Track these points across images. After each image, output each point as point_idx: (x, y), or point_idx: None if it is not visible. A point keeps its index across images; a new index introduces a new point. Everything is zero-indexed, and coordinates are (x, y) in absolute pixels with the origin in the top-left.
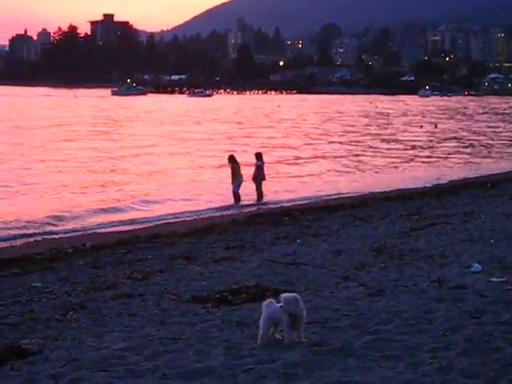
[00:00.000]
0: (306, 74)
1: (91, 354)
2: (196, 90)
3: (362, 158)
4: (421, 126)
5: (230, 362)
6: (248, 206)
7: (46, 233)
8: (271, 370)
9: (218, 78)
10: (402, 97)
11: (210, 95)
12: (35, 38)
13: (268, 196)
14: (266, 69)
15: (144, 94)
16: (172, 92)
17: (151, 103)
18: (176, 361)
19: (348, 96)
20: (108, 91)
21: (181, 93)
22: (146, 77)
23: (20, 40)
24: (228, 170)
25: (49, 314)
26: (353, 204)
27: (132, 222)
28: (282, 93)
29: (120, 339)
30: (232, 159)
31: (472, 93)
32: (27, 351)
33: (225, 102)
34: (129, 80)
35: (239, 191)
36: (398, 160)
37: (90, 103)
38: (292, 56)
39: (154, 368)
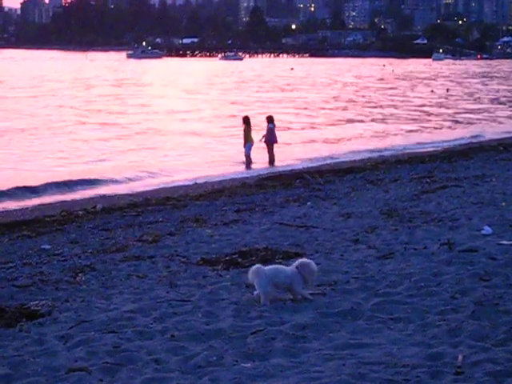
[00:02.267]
0: (319, 38)
1: (100, 316)
2: (228, 54)
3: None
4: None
5: (239, 324)
6: (259, 168)
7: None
8: (280, 332)
9: (230, 42)
10: (415, 60)
11: (241, 58)
12: (47, 1)
13: (280, 159)
14: (278, 32)
15: (159, 57)
16: (184, 55)
17: (182, 66)
18: (185, 322)
19: (361, 59)
20: (122, 54)
21: (193, 56)
22: (158, 40)
23: (32, 3)
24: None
25: (58, 276)
26: (364, 167)
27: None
28: (294, 56)
29: (129, 301)
30: (246, 121)
31: (485, 56)
32: (36, 313)
33: (256, 66)
34: (144, 43)
35: (250, 154)
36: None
37: (114, 66)
38: (304, 19)
39: (162, 330)
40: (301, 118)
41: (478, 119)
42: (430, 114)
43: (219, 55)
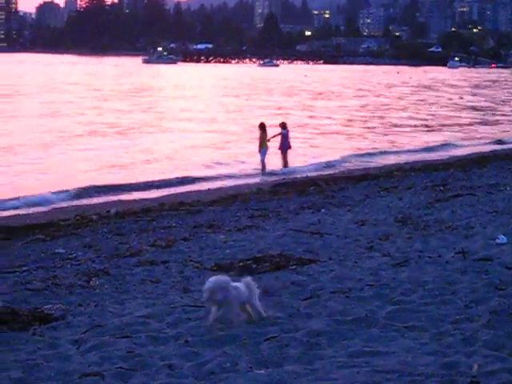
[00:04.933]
0: (333, 45)
1: (114, 321)
2: (264, 60)
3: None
4: None
5: (253, 331)
6: (273, 174)
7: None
8: (294, 339)
9: (244, 48)
10: (429, 68)
11: (277, 65)
12: (62, 5)
13: (294, 165)
14: (293, 39)
15: (174, 62)
16: (198, 61)
17: (211, 72)
18: (199, 328)
19: (375, 67)
20: (136, 59)
21: (207, 62)
22: (172, 45)
23: (47, 7)
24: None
25: (72, 280)
26: (378, 174)
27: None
28: (308, 63)
29: (143, 306)
30: (261, 127)
31: (499, 65)
32: (50, 316)
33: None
34: (160, 48)
35: (265, 160)
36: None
37: (138, 71)
38: (319, 26)
39: (176, 335)
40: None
41: None
42: None
43: (257, 62)
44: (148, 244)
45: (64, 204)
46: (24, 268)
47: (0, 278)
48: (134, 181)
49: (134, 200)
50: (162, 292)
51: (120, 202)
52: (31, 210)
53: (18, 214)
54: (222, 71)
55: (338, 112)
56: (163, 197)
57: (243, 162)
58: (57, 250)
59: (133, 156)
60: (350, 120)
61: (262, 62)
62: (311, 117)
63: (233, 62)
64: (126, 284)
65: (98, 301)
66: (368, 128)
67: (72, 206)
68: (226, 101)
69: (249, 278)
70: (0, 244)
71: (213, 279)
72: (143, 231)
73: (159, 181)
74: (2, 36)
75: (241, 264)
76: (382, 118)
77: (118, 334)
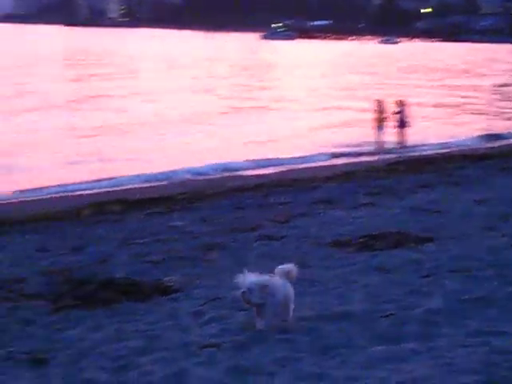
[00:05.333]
0: (451, 22)
1: (232, 294)
2: (384, 38)
3: None
4: None
5: (370, 307)
6: (390, 152)
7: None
8: (411, 317)
9: (361, 25)
10: None
11: (397, 42)
12: None
13: (412, 143)
14: (410, 16)
15: (291, 38)
16: (315, 37)
17: (330, 49)
18: (315, 303)
19: (494, 45)
20: (254, 35)
21: (324, 38)
22: (290, 22)
23: None
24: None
25: (190, 253)
26: (500, 154)
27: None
28: (427, 41)
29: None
30: (379, 105)
31: None
32: (169, 288)
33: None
34: (277, 24)
35: (382, 138)
36: None
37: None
38: (436, 3)
39: (293, 309)
40: None
41: None
42: None
43: (375, 39)
44: (265, 219)
45: (182, 178)
46: (143, 240)
47: (120, 250)
48: (252, 157)
49: (251, 175)
50: (279, 266)
51: (237, 177)
52: (150, 184)
53: (136, 188)
54: (341, 48)
55: (473, 90)
56: (279, 173)
57: (360, 140)
58: (174, 223)
59: (256, 134)
60: (484, 99)
61: (381, 40)
62: (445, 95)
63: (350, 39)
64: (244, 258)
65: (216, 274)
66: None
67: (189, 179)
68: (352, 78)
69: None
70: (119, 217)
71: (251, 278)
72: (260, 206)
73: (274, 159)
74: (124, 11)
75: (358, 241)
76: None
77: (236, 307)
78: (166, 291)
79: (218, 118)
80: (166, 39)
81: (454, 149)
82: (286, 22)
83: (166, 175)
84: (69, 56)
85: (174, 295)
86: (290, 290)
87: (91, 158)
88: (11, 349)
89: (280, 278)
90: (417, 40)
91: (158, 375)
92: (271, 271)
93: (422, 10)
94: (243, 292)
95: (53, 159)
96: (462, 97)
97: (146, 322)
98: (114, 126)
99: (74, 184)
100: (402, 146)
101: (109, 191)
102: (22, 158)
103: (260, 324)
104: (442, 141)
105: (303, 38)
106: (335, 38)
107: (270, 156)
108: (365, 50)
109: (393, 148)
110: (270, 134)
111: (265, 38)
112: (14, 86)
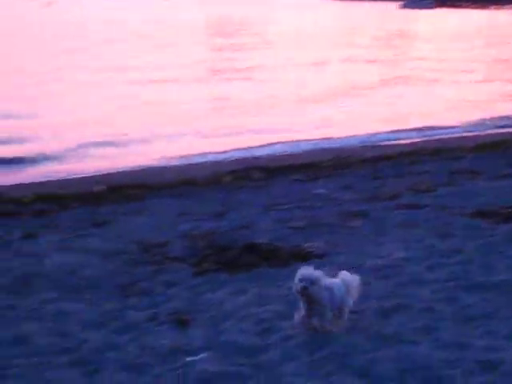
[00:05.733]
0: None
1: (373, 261)
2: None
3: None
4: None
5: None
6: None
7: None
8: None
9: None
10: None
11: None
12: None
13: None
14: None
15: (431, 7)
16: (454, 6)
17: (475, 18)
18: (458, 273)
19: None
20: (392, 4)
21: (465, 7)
22: None
23: None
24: None
25: (332, 220)
26: None
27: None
28: None
29: (401, 248)
30: None
31: None
32: (310, 254)
33: None
34: None
35: None
36: None
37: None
38: None
39: (435, 279)
40: None
41: None
42: None
43: None
44: (406, 188)
45: (326, 146)
46: (285, 206)
47: (262, 215)
48: (393, 128)
49: (391, 145)
50: (420, 236)
51: (377, 146)
52: (291, 151)
53: (279, 155)
54: (483, 16)
55: None
56: (420, 142)
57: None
58: (316, 191)
59: (409, 105)
60: None
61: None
62: None
63: (492, 7)
64: (384, 226)
65: (356, 241)
66: None
67: (331, 148)
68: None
69: (345, 274)
70: (262, 183)
71: (304, 270)
72: (400, 175)
73: (415, 129)
74: None
75: (503, 211)
76: None
77: (376, 275)
78: (306, 257)
79: (370, 90)
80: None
81: None
82: None
83: (310, 144)
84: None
85: (314, 261)
86: (348, 296)
87: (242, 128)
88: (155, 310)
89: (341, 282)
90: None
91: (300, 339)
92: (411, 240)
93: None
94: (304, 287)
95: (195, 129)
96: None
97: (287, 287)
98: (270, 96)
99: (215, 153)
100: None
101: (251, 158)
102: (164, 127)
103: (315, 320)
104: None
105: (443, 6)
106: (476, 7)
107: (417, 125)
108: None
109: None
110: (425, 104)
111: (404, 6)
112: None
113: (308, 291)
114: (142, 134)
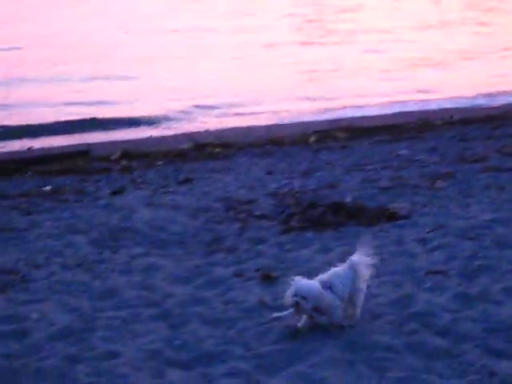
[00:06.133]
0: None
1: (458, 223)
2: None
3: None
4: None
5: None
6: None
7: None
8: None
9: None
10: None
11: None
12: None
13: None
14: None
15: None
16: None
17: None
18: None
19: None
20: None
21: None
22: None
23: None
24: None
25: (417, 181)
26: None
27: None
28: None
29: (487, 210)
30: None
31: None
32: (396, 215)
33: None
34: None
35: None
36: None
37: None
38: None
39: None
40: None
41: None
42: None
43: None
44: (493, 151)
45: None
46: (370, 167)
47: (348, 175)
48: (478, 91)
49: (477, 108)
50: (507, 198)
51: (462, 109)
52: (376, 113)
53: (364, 116)
54: None
55: None
56: (507, 105)
57: None
58: (402, 152)
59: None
60: None
61: None
62: None
63: None
64: (470, 188)
65: (442, 203)
66: None
67: (417, 111)
68: None
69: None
70: (347, 144)
71: (300, 284)
72: (487, 138)
73: (499, 92)
74: None
75: None
76: None
77: (462, 236)
78: (392, 217)
79: None
80: None
81: None
82: None
83: (396, 106)
84: None
85: (400, 222)
86: (360, 281)
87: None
88: (242, 266)
89: (349, 269)
90: None
91: (386, 298)
92: (497, 202)
93: None
94: (296, 302)
95: (286, 90)
96: None
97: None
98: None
99: (302, 113)
100: None
101: (336, 119)
102: (255, 90)
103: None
104: None
105: None
106: None
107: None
108: None
109: None
110: None
111: None
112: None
113: (300, 307)
114: (232, 96)
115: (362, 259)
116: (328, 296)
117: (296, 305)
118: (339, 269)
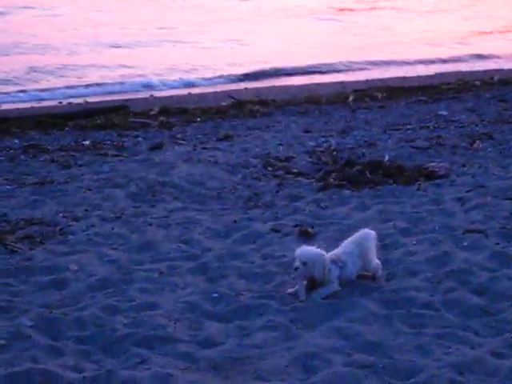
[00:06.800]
0: None
1: (497, 183)
2: None
3: None
4: None
5: None
6: None
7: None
8: None
9: None
10: None
11: None
12: None
13: None
14: None
15: None
16: None
17: None
18: None
19: None
20: None
21: None
22: None
23: None
24: None
25: (455, 141)
26: None
27: None
28: None
29: None
30: None
31: None
32: (434, 174)
33: None
34: None
35: None
36: None
37: None
38: None
39: None
40: None
41: None
42: None
43: None
44: None
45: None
46: (408, 127)
47: (386, 134)
48: None
49: None
50: None
51: (502, 70)
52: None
53: (402, 77)
54: None
55: None
56: None
57: None
58: (440, 112)
59: None
60: None
61: None
62: None
63: None
64: (509, 149)
65: (481, 163)
66: None
67: (454, 71)
68: None
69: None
70: (385, 103)
71: (307, 251)
72: None
73: None
74: None
75: None
76: None
77: (501, 196)
78: (430, 176)
79: None
80: None
81: None
82: None
83: (432, 67)
84: None
85: (438, 181)
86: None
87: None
88: (279, 222)
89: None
90: None
91: (423, 256)
92: None
93: None
94: (296, 268)
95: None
96: None
97: (410, 204)
98: None
99: (338, 71)
100: None
101: (374, 79)
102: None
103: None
104: None
105: None
106: None
107: None
108: None
109: None
110: None
111: None
112: None
113: (299, 271)
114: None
115: (367, 234)
116: (333, 270)
117: (295, 270)
118: (350, 246)
